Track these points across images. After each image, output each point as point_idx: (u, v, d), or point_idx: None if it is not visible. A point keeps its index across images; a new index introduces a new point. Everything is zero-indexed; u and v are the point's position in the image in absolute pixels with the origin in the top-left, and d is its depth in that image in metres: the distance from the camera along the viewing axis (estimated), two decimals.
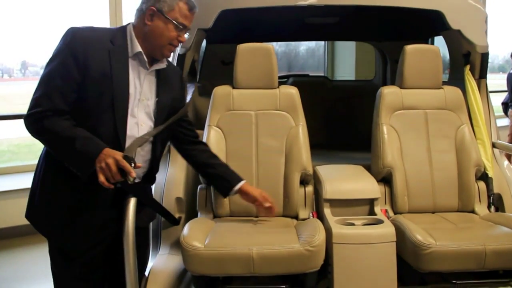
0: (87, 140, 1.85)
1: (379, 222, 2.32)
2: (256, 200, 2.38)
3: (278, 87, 2.80)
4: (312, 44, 8.43)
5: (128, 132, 1.96)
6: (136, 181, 1.91)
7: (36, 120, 1.85)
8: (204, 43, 4.13)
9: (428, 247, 2.16)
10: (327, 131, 4.15)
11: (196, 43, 2.95)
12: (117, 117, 1.91)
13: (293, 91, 2.78)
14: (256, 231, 2.35)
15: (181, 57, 2.91)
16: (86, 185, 1.90)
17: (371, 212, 2.49)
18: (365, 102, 4.17)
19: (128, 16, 5.12)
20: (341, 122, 4.22)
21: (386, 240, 2.20)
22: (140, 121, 1.99)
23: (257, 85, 2.77)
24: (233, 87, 2.79)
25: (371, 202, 2.50)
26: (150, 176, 2.14)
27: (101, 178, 1.81)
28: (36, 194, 1.98)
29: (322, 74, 7.50)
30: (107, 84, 1.88)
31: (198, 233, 2.22)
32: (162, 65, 2.04)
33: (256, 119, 2.73)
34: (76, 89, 1.86)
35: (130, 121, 1.96)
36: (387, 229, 2.23)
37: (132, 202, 1.96)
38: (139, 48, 1.95)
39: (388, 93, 2.81)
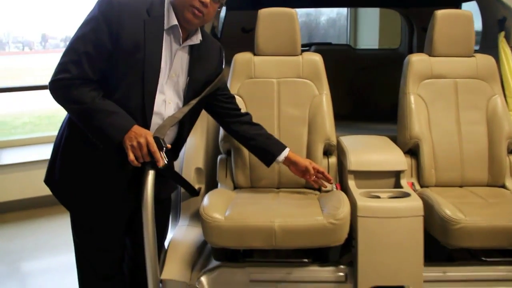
0: (116, 115, 1.77)
1: (406, 195, 2.23)
2: (307, 171, 2.31)
3: (301, 54, 2.68)
4: (333, 14, 8.25)
5: (155, 108, 1.87)
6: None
7: (63, 86, 1.75)
8: (223, 9, 4.03)
9: (458, 223, 2.07)
10: (350, 101, 4.04)
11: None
12: (145, 92, 1.82)
13: (317, 58, 2.67)
14: (278, 203, 2.28)
15: None
16: (109, 156, 1.84)
17: (397, 185, 2.39)
18: (390, 72, 4.05)
19: None
20: (365, 92, 4.10)
21: (413, 214, 2.11)
22: (168, 98, 1.90)
23: (279, 52, 2.66)
24: (254, 54, 2.68)
25: (397, 174, 2.40)
26: (174, 153, 2.06)
27: (131, 156, 1.76)
28: (57, 161, 1.91)
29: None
30: (139, 56, 1.78)
31: (218, 204, 2.16)
32: (195, 41, 1.92)
33: (278, 87, 2.63)
34: (106, 59, 1.76)
35: (158, 98, 1.87)
36: (414, 203, 2.14)
37: (151, 173, 1.90)
38: (175, 21, 1.84)
39: (417, 60, 2.68)
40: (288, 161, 2.29)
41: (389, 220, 2.10)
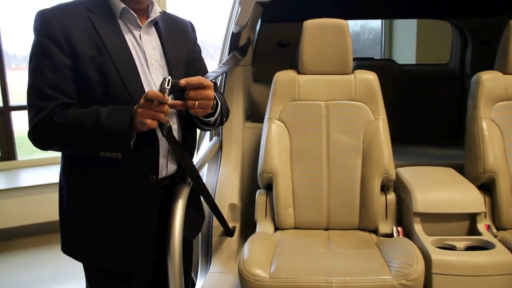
0: (111, 110, 1.47)
1: (488, 245, 1.83)
2: None
3: (352, 72, 2.31)
4: (356, 27, 7.93)
5: None
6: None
7: (45, 123, 1.47)
8: (259, 22, 3.68)
9: None
10: (397, 122, 3.62)
11: (252, 19, 2.49)
12: (131, 92, 1.52)
13: (372, 77, 2.29)
14: (331, 253, 1.90)
15: (235, 37, 2.46)
16: (123, 193, 1.56)
17: (472, 230, 1.99)
18: (439, 89, 3.68)
19: None
20: (413, 111, 3.69)
21: (501, 271, 1.72)
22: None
23: (328, 70, 2.29)
24: (299, 73, 2.32)
25: (472, 216, 2.00)
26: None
27: (147, 121, 1.42)
28: (67, 220, 1.64)
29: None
30: (105, 57, 1.50)
31: (260, 256, 1.79)
32: (155, 14, 1.63)
33: (326, 111, 2.25)
34: (73, 76, 1.49)
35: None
36: (501, 257, 1.74)
37: (181, 203, 1.58)
38: (122, 4, 1.55)
39: (488, 79, 2.28)
40: None
41: (472, 280, 1.70)
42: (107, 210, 1.58)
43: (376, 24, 7.39)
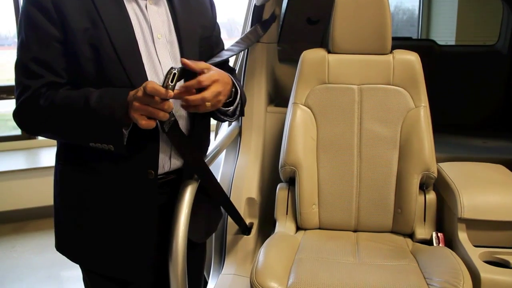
0: (102, 94, 1.25)
1: None
2: None
3: (391, 52, 2.01)
4: (391, 8, 7.53)
5: None
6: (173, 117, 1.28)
7: (30, 104, 1.28)
8: None
9: None
10: (436, 109, 3.31)
11: None
12: (129, 71, 1.28)
13: (414, 58, 1.99)
14: (360, 263, 1.63)
15: (258, 10, 2.17)
16: (119, 188, 1.35)
17: None
18: (486, 73, 3.34)
19: None
20: (454, 97, 3.37)
21: None
22: (164, 67, 1.34)
23: (363, 49, 1.99)
24: (329, 51, 2.03)
25: None
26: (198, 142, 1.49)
27: (141, 120, 1.20)
28: (60, 216, 1.46)
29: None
30: (99, 29, 1.26)
31: (277, 265, 1.54)
32: None
33: (360, 96, 1.97)
34: (62, 51, 1.28)
35: (150, 71, 1.32)
36: None
37: (186, 201, 1.35)
38: None
39: None
40: None
41: None
42: (101, 207, 1.37)
43: (410, 5, 7.01)
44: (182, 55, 1.38)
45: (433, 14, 6.70)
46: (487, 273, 1.47)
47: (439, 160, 2.09)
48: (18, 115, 1.31)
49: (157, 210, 1.39)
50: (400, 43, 3.70)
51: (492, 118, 3.33)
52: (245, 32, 2.36)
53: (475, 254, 1.58)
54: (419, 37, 6.69)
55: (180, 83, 1.27)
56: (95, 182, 1.35)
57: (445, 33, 6.25)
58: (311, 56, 2.02)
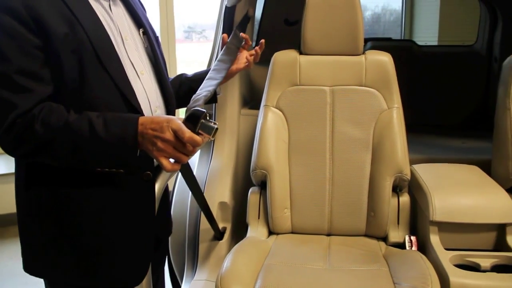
0: (106, 121, 1.18)
1: None
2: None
3: (364, 53, 1.99)
4: (378, 9, 7.58)
5: (136, 91, 1.29)
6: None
7: (23, 131, 1.16)
8: None
9: None
10: (414, 109, 3.29)
11: None
12: (112, 73, 1.23)
13: (386, 59, 1.96)
14: (330, 268, 1.60)
15: (229, 11, 2.14)
16: (115, 191, 1.29)
17: (501, 243, 1.69)
18: (464, 73, 3.33)
19: None
20: (432, 97, 3.35)
21: None
22: (138, 68, 1.31)
23: (335, 50, 1.97)
24: (301, 53, 2.00)
25: (500, 227, 1.69)
26: None
27: (166, 164, 1.16)
28: (34, 231, 1.34)
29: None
30: (79, 34, 1.20)
31: (244, 271, 1.51)
32: None
33: (332, 97, 1.94)
34: (45, 60, 1.19)
35: (130, 74, 1.29)
36: None
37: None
38: None
39: None
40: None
41: None
42: (93, 214, 1.29)
43: (397, 6, 7.04)
44: (150, 55, 1.37)
45: (415, 15, 6.72)
46: (456, 277, 1.45)
47: (416, 161, 2.07)
48: (5, 139, 1.18)
49: (154, 211, 1.34)
50: (380, 43, 3.71)
51: (472, 118, 3.33)
52: (218, 34, 2.33)
53: (446, 258, 1.56)
54: (403, 38, 6.70)
55: None
56: (83, 186, 1.27)
57: (428, 33, 6.27)
58: (283, 57, 1.99)
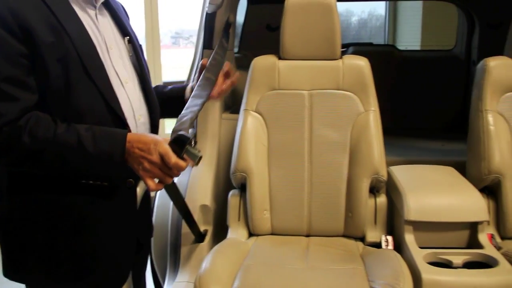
0: (95, 136, 1.22)
1: (491, 261, 1.57)
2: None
3: (341, 57, 2.03)
4: (364, 14, 7.69)
5: (120, 100, 1.32)
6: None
7: (9, 142, 1.18)
8: (245, 3, 3.41)
9: None
10: (395, 113, 3.35)
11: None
12: (98, 82, 1.26)
13: (363, 63, 2.01)
14: (308, 267, 1.64)
15: (210, 17, 2.18)
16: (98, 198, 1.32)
17: (473, 241, 1.73)
18: (443, 77, 3.39)
19: None
20: (413, 101, 3.42)
21: None
22: (122, 77, 1.34)
23: (312, 55, 2.01)
24: (279, 58, 2.04)
25: (472, 225, 1.74)
26: None
27: (151, 184, 1.22)
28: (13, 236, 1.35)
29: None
30: (65, 43, 1.22)
31: (223, 271, 1.54)
32: None
33: (310, 101, 1.98)
34: (31, 67, 1.20)
35: (114, 83, 1.31)
36: (507, 277, 1.48)
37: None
38: None
39: (497, 66, 1.99)
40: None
41: None
42: (76, 217, 1.31)
43: (383, 11, 7.13)
44: (134, 64, 1.40)
45: (399, 21, 6.81)
46: (428, 273, 1.49)
47: (394, 163, 2.11)
48: None
49: (135, 216, 1.38)
50: (362, 48, 3.77)
51: (452, 121, 3.39)
52: (200, 41, 2.37)
53: (420, 256, 1.60)
54: (387, 43, 6.79)
55: None
56: (66, 193, 1.28)
57: (410, 39, 6.36)
58: (262, 62, 2.03)
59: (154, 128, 1.44)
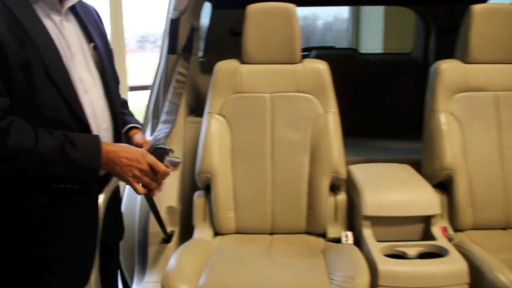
0: (75, 140, 1.27)
1: (442, 252, 1.67)
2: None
3: (301, 61, 2.11)
4: (330, 17, 7.82)
5: (84, 106, 1.35)
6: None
7: None
8: (209, 8, 3.46)
9: None
10: (356, 114, 3.46)
11: (194, 5, 2.27)
12: (62, 88, 1.29)
13: (322, 66, 2.09)
14: (270, 263, 1.71)
15: (174, 23, 2.23)
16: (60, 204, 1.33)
17: (427, 233, 1.83)
18: (402, 79, 3.52)
19: None
20: (373, 103, 3.52)
21: (454, 281, 1.56)
22: (86, 84, 1.37)
23: (273, 59, 2.09)
24: (242, 62, 2.11)
25: (426, 219, 1.84)
26: None
27: (140, 189, 1.39)
28: None
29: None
30: (29, 48, 1.24)
31: (189, 268, 1.60)
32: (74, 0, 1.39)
33: (271, 104, 2.05)
34: None
35: (78, 89, 1.34)
36: (456, 265, 1.58)
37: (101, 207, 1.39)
38: None
39: (448, 69, 2.11)
40: (125, 135, 1.63)
41: None
42: (39, 222, 1.32)
43: (349, 15, 7.26)
44: (100, 70, 1.42)
45: (362, 25, 6.95)
46: (384, 265, 1.58)
47: (355, 163, 2.20)
48: None
49: (99, 220, 1.40)
50: (324, 52, 3.87)
51: (411, 121, 3.51)
52: (164, 46, 2.42)
53: (376, 249, 1.68)
54: (350, 46, 6.93)
55: None
56: (31, 197, 1.29)
57: (374, 42, 6.50)
58: (225, 67, 2.10)
59: (117, 134, 1.48)
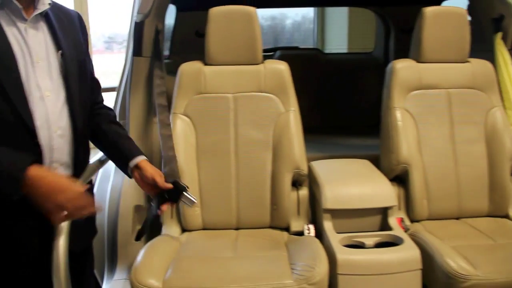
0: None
1: (398, 241, 1.77)
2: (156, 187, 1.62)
3: (262, 62, 2.19)
4: (298, 17, 7.93)
5: (36, 113, 1.36)
6: None
7: None
8: (174, 10, 3.51)
9: (467, 279, 1.61)
10: (320, 113, 3.57)
11: (158, 8, 2.31)
12: (11, 94, 1.31)
13: (282, 67, 2.17)
14: (235, 256, 1.78)
15: (138, 26, 2.27)
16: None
17: (384, 224, 1.93)
18: (365, 78, 3.63)
19: None
20: (337, 101, 3.63)
21: (408, 268, 1.65)
22: (44, 91, 1.38)
23: (236, 60, 2.16)
24: (205, 63, 2.18)
25: (383, 210, 1.94)
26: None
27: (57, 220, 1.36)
28: None
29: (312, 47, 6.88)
30: None
31: (156, 264, 1.65)
32: (44, 6, 1.41)
33: (234, 103, 2.13)
34: None
35: (33, 96, 1.36)
36: (409, 253, 1.68)
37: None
38: None
39: (402, 68, 2.22)
40: (136, 168, 1.61)
41: (378, 278, 1.63)
42: None
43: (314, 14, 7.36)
44: (64, 79, 1.42)
45: (327, 25, 7.08)
46: (342, 254, 1.67)
47: (317, 159, 2.28)
48: None
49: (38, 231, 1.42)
50: (288, 52, 3.96)
51: (373, 119, 3.63)
52: (129, 49, 2.46)
53: (336, 240, 1.77)
54: (315, 46, 7.04)
55: None
56: None
57: (339, 42, 6.63)
58: (188, 68, 2.16)
59: (77, 142, 1.47)
